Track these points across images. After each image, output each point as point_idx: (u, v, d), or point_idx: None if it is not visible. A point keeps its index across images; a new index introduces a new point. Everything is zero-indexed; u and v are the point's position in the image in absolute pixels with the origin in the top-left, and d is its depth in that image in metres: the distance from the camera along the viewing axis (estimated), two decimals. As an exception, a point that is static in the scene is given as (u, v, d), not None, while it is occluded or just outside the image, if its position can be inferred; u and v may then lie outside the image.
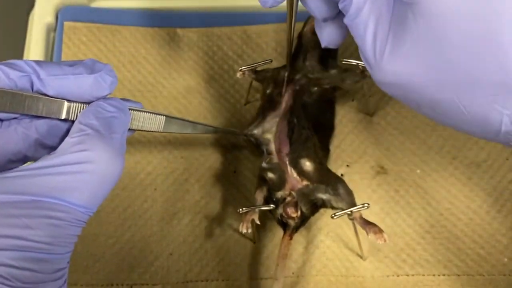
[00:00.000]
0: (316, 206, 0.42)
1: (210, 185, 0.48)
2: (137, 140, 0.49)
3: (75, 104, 0.30)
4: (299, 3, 0.36)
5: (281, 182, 0.42)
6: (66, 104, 0.30)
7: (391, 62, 0.30)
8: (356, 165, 0.48)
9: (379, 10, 0.30)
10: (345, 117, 0.50)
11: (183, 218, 0.46)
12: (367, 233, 0.39)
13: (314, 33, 0.46)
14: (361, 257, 0.44)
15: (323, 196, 0.41)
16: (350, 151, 0.49)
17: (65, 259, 0.27)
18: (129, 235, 0.46)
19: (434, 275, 0.44)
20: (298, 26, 0.50)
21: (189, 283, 0.44)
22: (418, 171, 0.47)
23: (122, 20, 0.54)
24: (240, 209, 0.41)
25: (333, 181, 0.42)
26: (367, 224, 0.40)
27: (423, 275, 0.44)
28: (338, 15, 0.35)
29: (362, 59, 0.32)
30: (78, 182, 0.27)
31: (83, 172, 0.27)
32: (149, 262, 0.45)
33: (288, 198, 0.42)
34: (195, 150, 0.49)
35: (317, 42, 0.40)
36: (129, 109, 0.33)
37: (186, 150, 0.49)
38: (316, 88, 0.45)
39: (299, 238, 0.45)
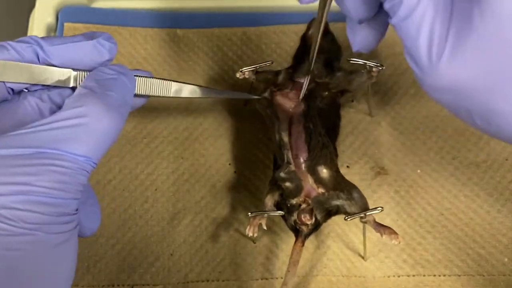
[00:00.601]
0: (330, 213, 0.42)
1: (210, 185, 0.48)
2: (137, 141, 0.49)
3: (80, 72, 0.34)
4: (334, 3, 0.34)
5: (298, 190, 0.41)
6: (72, 72, 0.34)
7: (450, 64, 0.28)
8: (356, 166, 0.48)
9: (435, 8, 0.28)
10: (344, 117, 0.50)
11: (183, 218, 0.46)
12: (382, 235, 0.40)
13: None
14: (362, 257, 0.44)
15: (338, 202, 0.41)
16: (350, 152, 0.49)
17: (71, 205, 0.30)
18: (130, 236, 0.46)
19: (435, 275, 0.44)
20: (301, 28, 0.50)
21: (190, 283, 0.44)
22: (418, 171, 0.48)
23: (122, 21, 0.54)
24: (250, 213, 0.41)
25: (348, 188, 0.41)
26: (381, 226, 0.40)
27: (424, 275, 0.44)
28: (375, 17, 0.33)
29: (410, 62, 0.30)
30: (75, 134, 0.29)
31: (79, 125, 0.30)
32: (150, 262, 0.45)
33: (303, 205, 0.41)
34: (196, 150, 0.49)
35: (322, 45, 0.40)
36: (136, 76, 0.36)
37: (186, 150, 0.49)
38: (326, 93, 0.45)
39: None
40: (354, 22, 0.34)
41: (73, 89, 0.34)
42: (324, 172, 0.41)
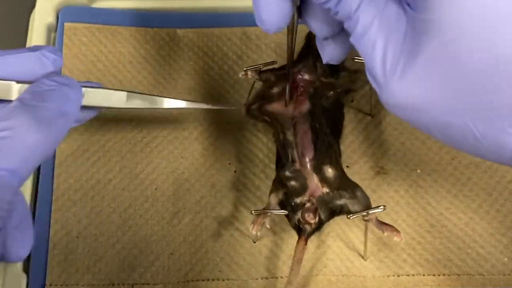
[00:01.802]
0: (334, 213, 0.42)
1: (210, 184, 0.48)
2: (137, 141, 0.49)
3: (24, 84, 0.33)
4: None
5: (302, 189, 0.42)
6: (14, 85, 0.33)
7: (402, 82, 0.28)
8: (355, 165, 0.48)
9: (389, 28, 0.29)
10: (344, 117, 0.50)
11: (183, 217, 0.46)
12: (383, 232, 0.40)
13: None
14: (362, 257, 0.44)
15: (341, 201, 0.41)
16: (350, 152, 0.49)
17: None
18: (130, 235, 0.46)
19: (434, 274, 0.44)
20: (302, 28, 0.50)
21: (190, 282, 0.44)
22: (418, 171, 0.48)
23: (123, 21, 0.54)
24: (253, 211, 0.41)
25: (351, 187, 0.42)
26: (383, 224, 0.40)
27: (424, 274, 0.44)
28: (340, 33, 0.34)
29: (369, 78, 0.31)
30: None
31: (3, 138, 0.29)
32: (150, 261, 0.45)
33: (308, 204, 0.41)
34: (195, 150, 0.49)
35: None
36: (83, 86, 0.35)
37: (186, 150, 0.49)
38: (331, 93, 0.45)
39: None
40: (320, 39, 0.35)
41: None
42: (329, 171, 0.42)
